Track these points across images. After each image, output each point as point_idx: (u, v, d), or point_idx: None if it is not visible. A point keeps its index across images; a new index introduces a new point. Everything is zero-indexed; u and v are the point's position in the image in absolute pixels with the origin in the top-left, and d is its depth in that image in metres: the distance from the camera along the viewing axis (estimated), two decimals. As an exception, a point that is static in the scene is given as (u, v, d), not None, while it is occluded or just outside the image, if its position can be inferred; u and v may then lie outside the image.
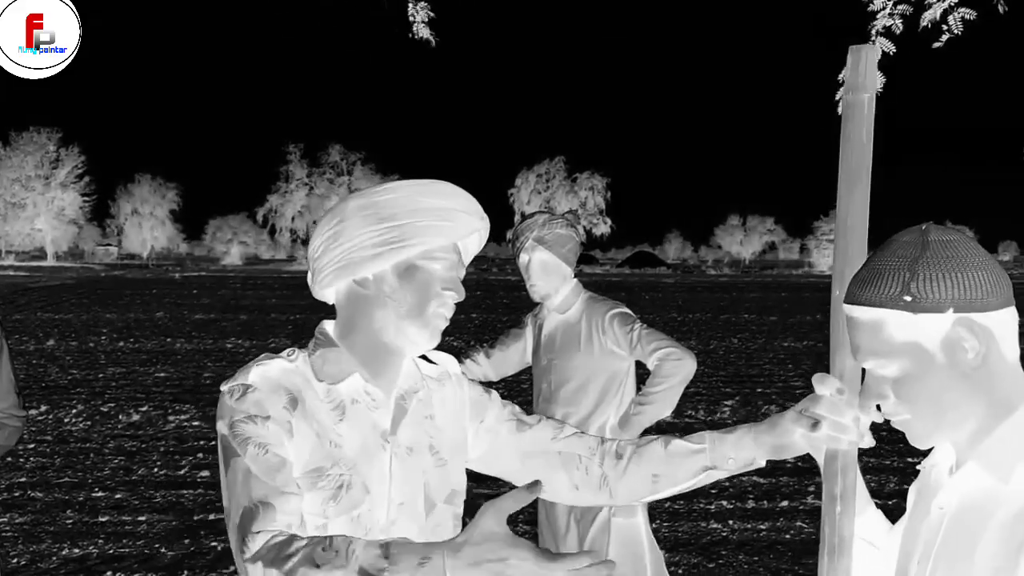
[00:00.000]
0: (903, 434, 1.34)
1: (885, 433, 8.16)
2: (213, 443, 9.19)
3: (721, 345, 19.30)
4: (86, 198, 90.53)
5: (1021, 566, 1.16)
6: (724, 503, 7.25)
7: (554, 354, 3.80)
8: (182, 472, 8.16)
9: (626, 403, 3.76)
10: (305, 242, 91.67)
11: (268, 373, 1.70)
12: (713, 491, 7.50)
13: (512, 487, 1.52)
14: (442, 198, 1.76)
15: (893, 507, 7.00)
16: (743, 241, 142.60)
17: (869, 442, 1.47)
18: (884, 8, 4.44)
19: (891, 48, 4.47)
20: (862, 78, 1.43)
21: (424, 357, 1.91)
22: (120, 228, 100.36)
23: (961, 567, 1.25)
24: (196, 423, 10.30)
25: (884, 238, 1.35)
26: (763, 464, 1.68)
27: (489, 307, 29.74)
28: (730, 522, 6.74)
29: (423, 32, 5.50)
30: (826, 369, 1.50)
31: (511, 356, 4.03)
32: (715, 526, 6.67)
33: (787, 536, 6.46)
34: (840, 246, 1.43)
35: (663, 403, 3.62)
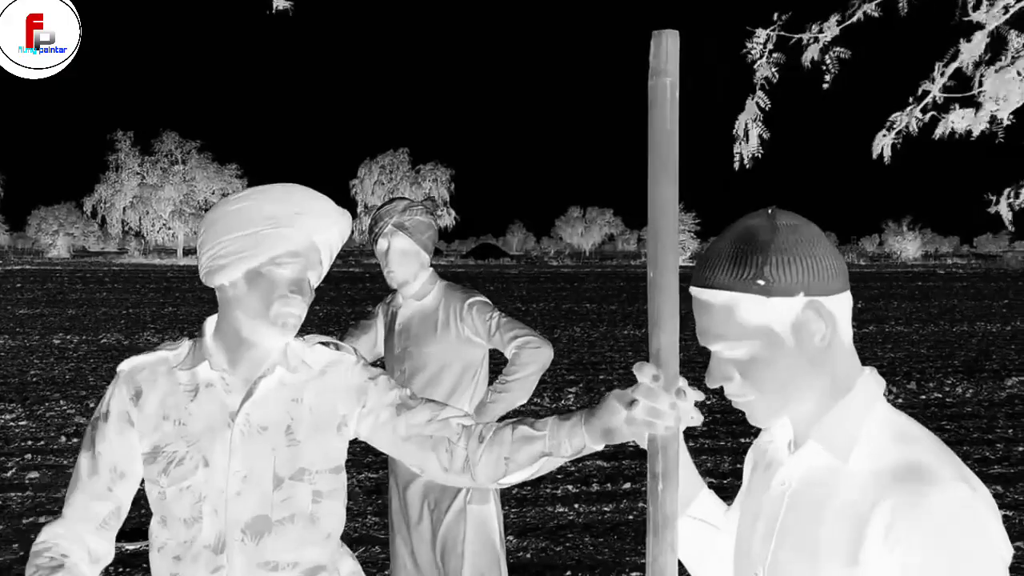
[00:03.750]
0: (738, 414, 1.38)
1: (719, 415, 8.49)
2: (42, 443, 8.76)
3: (564, 334, 19.67)
4: None
5: (865, 544, 1.20)
6: (570, 487, 7.42)
7: (409, 341, 3.78)
8: (9, 474, 7.74)
9: (481, 391, 3.79)
10: (138, 234, 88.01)
11: (135, 363, 2.01)
12: (559, 476, 7.67)
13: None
14: (287, 204, 1.93)
15: (728, 486, 7.32)
16: (583, 233, 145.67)
17: (696, 421, 1.48)
18: (761, 57, 4.50)
19: (766, 103, 4.55)
20: (664, 63, 1.41)
21: (327, 344, 2.08)
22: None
23: (807, 544, 1.29)
24: (23, 423, 9.75)
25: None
26: (599, 448, 1.71)
27: (333, 299, 29.34)
28: (576, 505, 6.91)
29: (281, 3, 5.15)
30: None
31: (361, 348, 3.99)
32: (561, 510, 6.82)
33: (630, 517, 6.67)
34: (652, 230, 1.42)
35: (520, 391, 3.67)
